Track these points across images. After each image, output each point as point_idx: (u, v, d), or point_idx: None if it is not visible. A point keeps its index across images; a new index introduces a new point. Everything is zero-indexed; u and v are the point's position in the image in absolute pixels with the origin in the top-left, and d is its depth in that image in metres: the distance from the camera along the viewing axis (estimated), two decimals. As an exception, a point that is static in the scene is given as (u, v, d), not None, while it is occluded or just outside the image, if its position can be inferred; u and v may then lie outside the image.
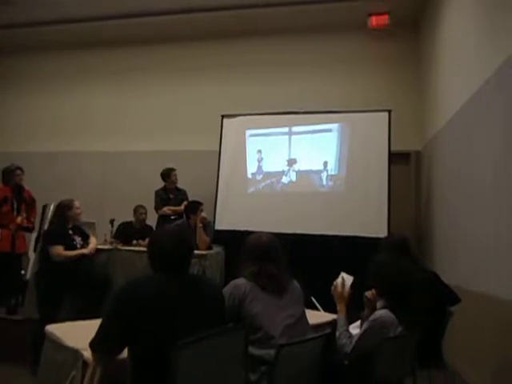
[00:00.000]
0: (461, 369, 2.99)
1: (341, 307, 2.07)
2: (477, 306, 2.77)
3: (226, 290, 1.81)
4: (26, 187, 4.41)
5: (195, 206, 4.16)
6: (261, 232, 2.02)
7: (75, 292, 3.35)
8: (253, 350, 1.67)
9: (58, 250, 3.28)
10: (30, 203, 4.40)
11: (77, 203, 3.48)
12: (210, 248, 4.07)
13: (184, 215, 4.27)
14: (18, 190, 4.30)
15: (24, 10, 5.40)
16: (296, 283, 1.96)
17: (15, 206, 4.23)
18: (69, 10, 5.38)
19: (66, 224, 3.45)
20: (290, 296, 1.87)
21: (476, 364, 2.85)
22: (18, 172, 4.29)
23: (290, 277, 1.94)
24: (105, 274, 3.62)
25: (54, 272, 3.27)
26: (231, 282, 1.86)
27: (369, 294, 2.07)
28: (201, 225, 4.00)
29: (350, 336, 1.91)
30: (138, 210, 4.59)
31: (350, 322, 2.08)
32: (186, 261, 1.62)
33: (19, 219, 4.20)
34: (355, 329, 2.06)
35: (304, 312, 1.91)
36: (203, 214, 4.09)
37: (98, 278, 3.51)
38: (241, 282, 1.83)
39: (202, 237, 3.98)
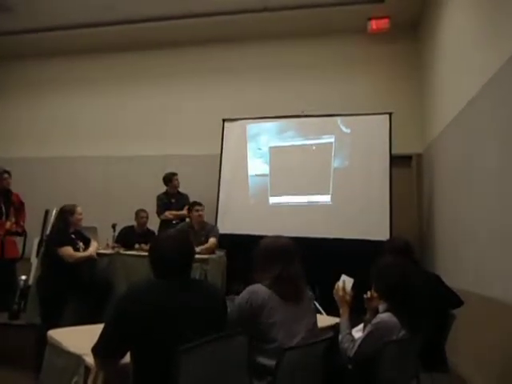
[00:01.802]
0: (464, 372, 2.97)
1: (343, 310, 2.05)
2: (480, 308, 2.76)
3: (244, 295, 1.74)
4: (15, 191, 4.36)
5: (191, 205, 4.20)
6: (276, 235, 1.93)
7: (77, 296, 3.35)
8: (263, 360, 1.64)
9: (69, 250, 3.26)
10: (19, 207, 4.35)
11: (79, 209, 3.49)
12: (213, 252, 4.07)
13: (187, 219, 4.29)
14: (6, 193, 4.24)
15: (22, 17, 5.44)
16: (307, 289, 1.91)
17: (4, 210, 4.18)
18: (67, 17, 5.42)
19: (68, 229, 3.46)
20: (306, 304, 1.83)
21: (480, 367, 2.83)
22: (6, 176, 4.23)
23: (306, 282, 1.86)
24: (106, 278, 3.62)
25: (55, 276, 3.26)
26: (249, 288, 1.76)
27: (368, 294, 2.06)
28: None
29: (353, 340, 1.90)
30: (139, 214, 4.59)
31: (353, 325, 2.07)
32: (187, 266, 1.62)
33: (8, 224, 4.15)
34: (358, 332, 2.05)
35: (316, 321, 1.87)
36: (198, 213, 4.08)
37: (100, 282, 3.51)
38: (260, 288, 1.74)
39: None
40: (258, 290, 1.73)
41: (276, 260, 1.78)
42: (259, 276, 1.80)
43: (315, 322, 1.85)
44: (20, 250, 4.45)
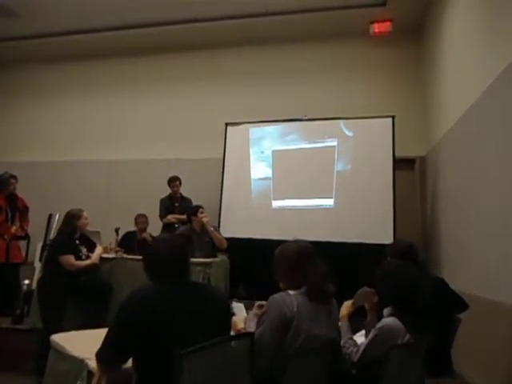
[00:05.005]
0: (470, 377, 2.94)
1: (344, 314, 2.03)
2: (486, 312, 2.73)
3: (273, 307, 1.67)
4: (20, 195, 4.40)
5: (194, 209, 4.20)
6: (289, 241, 1.89)
7: (77, 300, 3.35)
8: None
9: (71, 259, 3.29)
10: (23, 211, 4.39)
11: (85, 213, 3.51)
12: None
13: (188, 222, 4.28)
14: (12, 198, 4.28)
15: (27, 23, 5.48)
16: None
17: (9, 215, 4.22)
18: (71, 22, 5.47)
19: (73, 234, 3.46)
20: (333, 308, 1.83)
21: (486, 372, 2.80)
22: (13, 181, 4.28)
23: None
24: (106, 281, 3.62)
25: (55, 280, 3.26)
26: (275, 298, 1.69)
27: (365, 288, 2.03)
28: (212, 228, 4.05)
29: (356, 344, 1.88)
30: (137, 219, 4.56)
31: (353, 330, 2.05)
32: (184, 268, 1.60)
33: (14, 229, 4.20)
34: (360, 338, 2.03)
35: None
36: (202, 215, 4.07)
37: (100, 285, 3.52)
38: (288, 298, 1.68)
39: (217, 236, 4.02)
40: (287, 300, 1.66)
41: (302, 264, 1.76)
42: (287, 281, 1.77)
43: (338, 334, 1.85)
44: (24, 255, 4.48)
